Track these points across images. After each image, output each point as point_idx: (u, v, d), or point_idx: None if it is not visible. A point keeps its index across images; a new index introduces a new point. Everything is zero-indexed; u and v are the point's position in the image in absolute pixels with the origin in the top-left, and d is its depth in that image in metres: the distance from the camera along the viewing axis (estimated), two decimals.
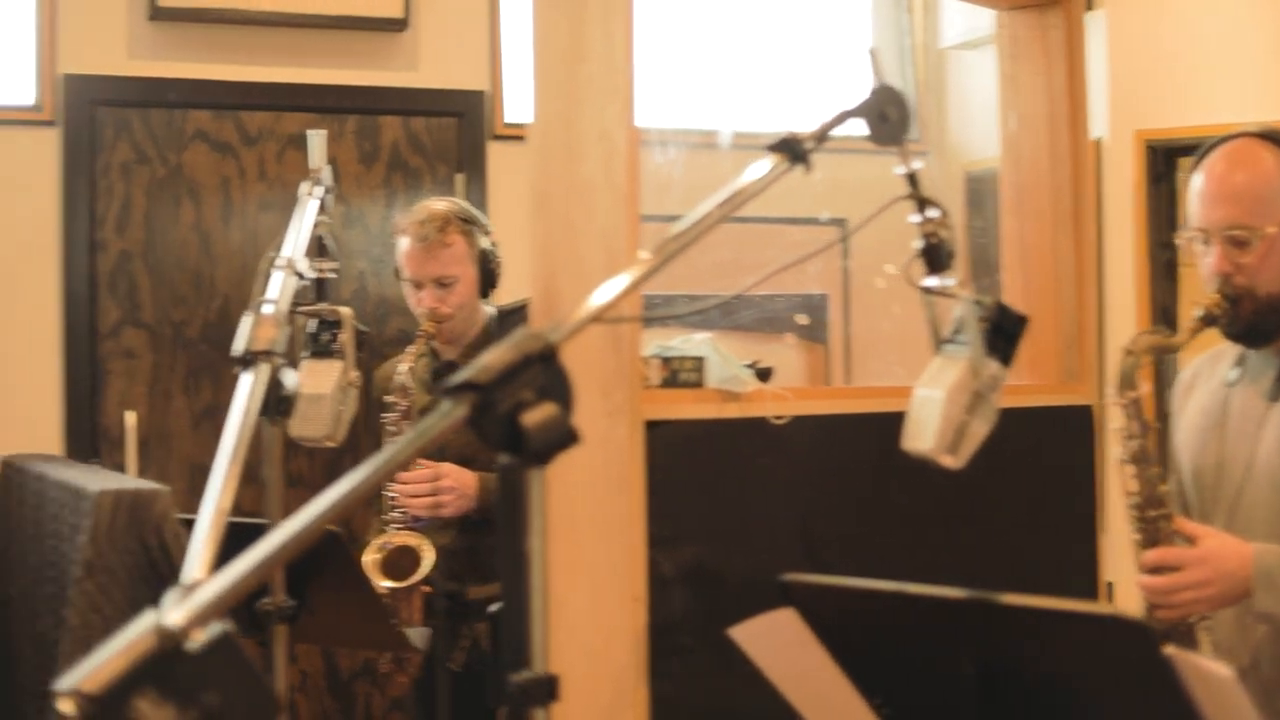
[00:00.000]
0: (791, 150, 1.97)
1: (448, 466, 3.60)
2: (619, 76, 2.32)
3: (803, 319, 5.66)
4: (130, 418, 5.27)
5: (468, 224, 3.80)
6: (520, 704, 1.67)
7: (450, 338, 3.81)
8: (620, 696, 2.32)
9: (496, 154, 5.71)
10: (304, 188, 2.81)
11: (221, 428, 5.21)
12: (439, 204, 3.87)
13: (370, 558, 3.61)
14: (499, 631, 3.34)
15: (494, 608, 3.44)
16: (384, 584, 3.58)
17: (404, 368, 3.72)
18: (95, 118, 5.32)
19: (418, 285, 3.78)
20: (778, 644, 2.03)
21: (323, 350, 2.79)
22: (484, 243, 3.80)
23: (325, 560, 2.92)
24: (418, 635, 3.56)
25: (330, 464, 5.45)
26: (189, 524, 2.66)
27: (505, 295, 4.00)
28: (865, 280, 5.83)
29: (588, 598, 2.29)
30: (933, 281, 2.20)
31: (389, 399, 3.73)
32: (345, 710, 5.56)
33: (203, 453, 5.38)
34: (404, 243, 3.81)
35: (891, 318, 5.72)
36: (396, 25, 5.56)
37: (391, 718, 5.62)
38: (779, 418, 2.60)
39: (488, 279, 3.82)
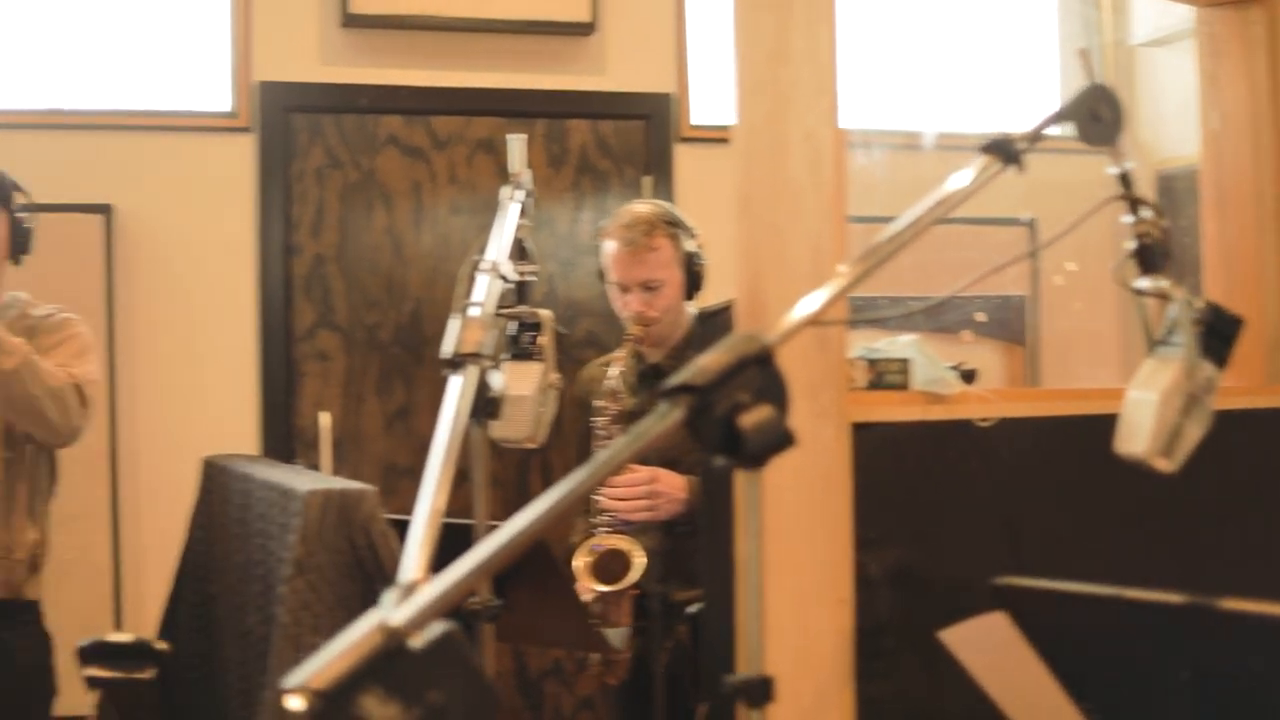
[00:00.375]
0: (1004, 151, 1.95)
1: (659, 471, 3.60)
2: (823, 77, 2.31)
3: (981, 316, 5.59)
4: (325, 419, 5.35)
5: (673, 227, 3.78)
6: (736, 704, 1.67)
7: (656, 341, 3.79)
8: (826, 698, 2.31)
9: (683, 156, 5.72)
10: (505, 192, 2.82)
11: (412, 429, 5.31)
12: (644, 207, 3.86)
13: (581, 561, 3.61)
14: (699, 633, 3.35)
15: (693, 609, 3.44)
16: (595, 587, 3.58)
17: (614, 371, 3.71)
18: (289, 124, 5.42)
19: (624, 289, 3.77)
20: (988, 647, 2.01)
21: (523, 352, 2.80)
22: (689, 245, 3.78)
23: (526, 560, 2.94)
24: (616, 636, 3.57)
25: (520, 464, 5.50)
26: (394, 523, 2.70)
27: (700, 297, 3.99)
28: (1055, 280, 5.76)
29: (793, 599, 2.28)
30: (1145, 283, 2.16)
31: (598, 403, 3.72)
32: (534, 708, 5.60)
33: (394, 453, 5.46)
34: (609, 246, 3.80)
35: (1075, 317, 5.65)
36: (584, 29, 5.59)
37: (580, 717, 5.65)
38: (984, 420, 2.58)
39: (693, 282, 3.80)
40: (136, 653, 2.68)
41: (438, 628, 1.45)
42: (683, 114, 5.73)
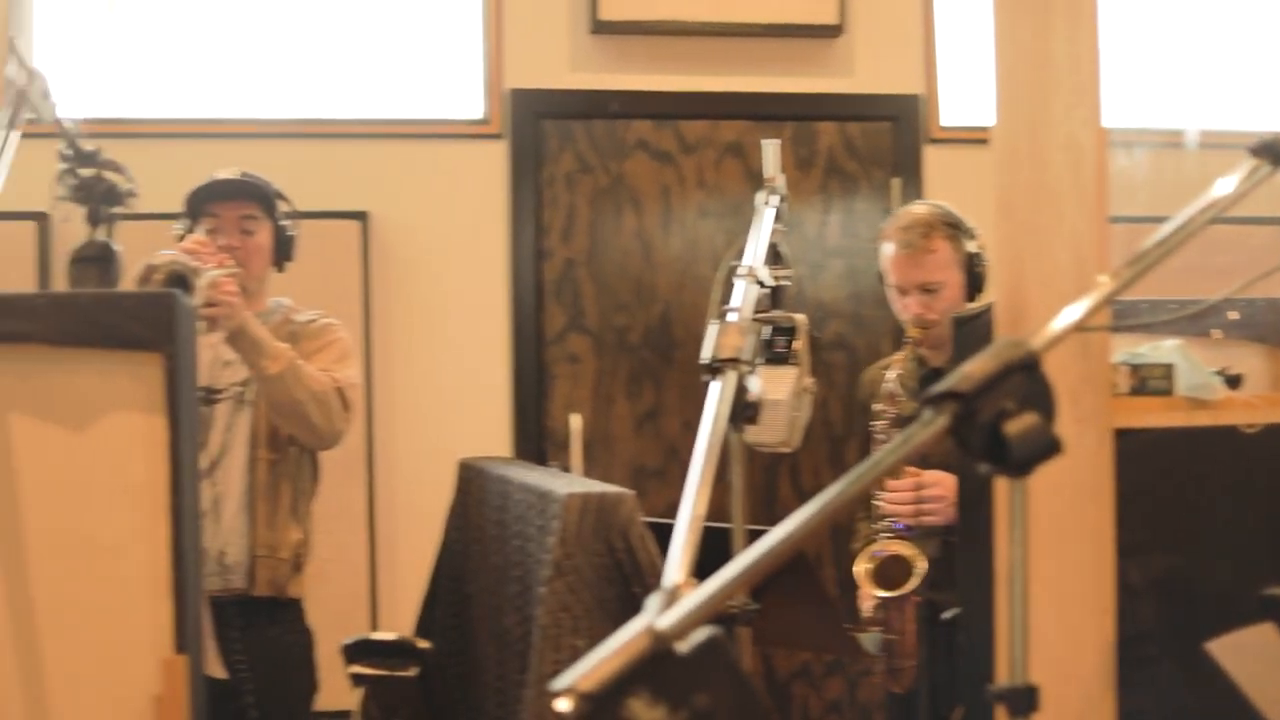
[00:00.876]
0: (1274, 153, 1.90)
1: (935, 474, 3.55)
2: (1084, 78, 2.27)
3: (1234, 315, 5.42)
4: (575, 421, 5.42)
5: (952, 228, 3.74)
6: (995, 712, 1.66)
7: (936, 344, 3.73)
8: (1088, 706, 2.28)
9: (933, 157, 5.67)
10: (760, 196, 2.83)
11: (661, 431, 5.34)
12: (922, 209, 3.82)
13: (862, 567, 3.60)
14: (954, 639, 3.31)
15: (948, 614, 3.41)
16: (876, 593, 3.57)
17: (892, 374, 3.69)
18: (540, 130, 5.50)
19: (902, 291, 3.73)
20: (1256, 659, 1.96)
21: (778, 357, 2.80)
22: (970, 247, 3.73)
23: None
24: (869, 641, 3.56)
25: (770, 468, 5.51)
26: (652, 527, 2.73)
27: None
28: None
29: (1054, 607, 2.25)
30: None
31: (877, 406, 3.70)
32: (782, 711, 5.60)
33: (643, 455, 5.51)
34: (887, 249, 3.77)
35: None
36: (831, 31, 5.58)
37: None
38: (1250, 426, 2.52)
39: (974, 283, 3.75)
40: (399, 651, 2.75)
41: (703, 632, 1.46)
42: (932, 115, 5.68)
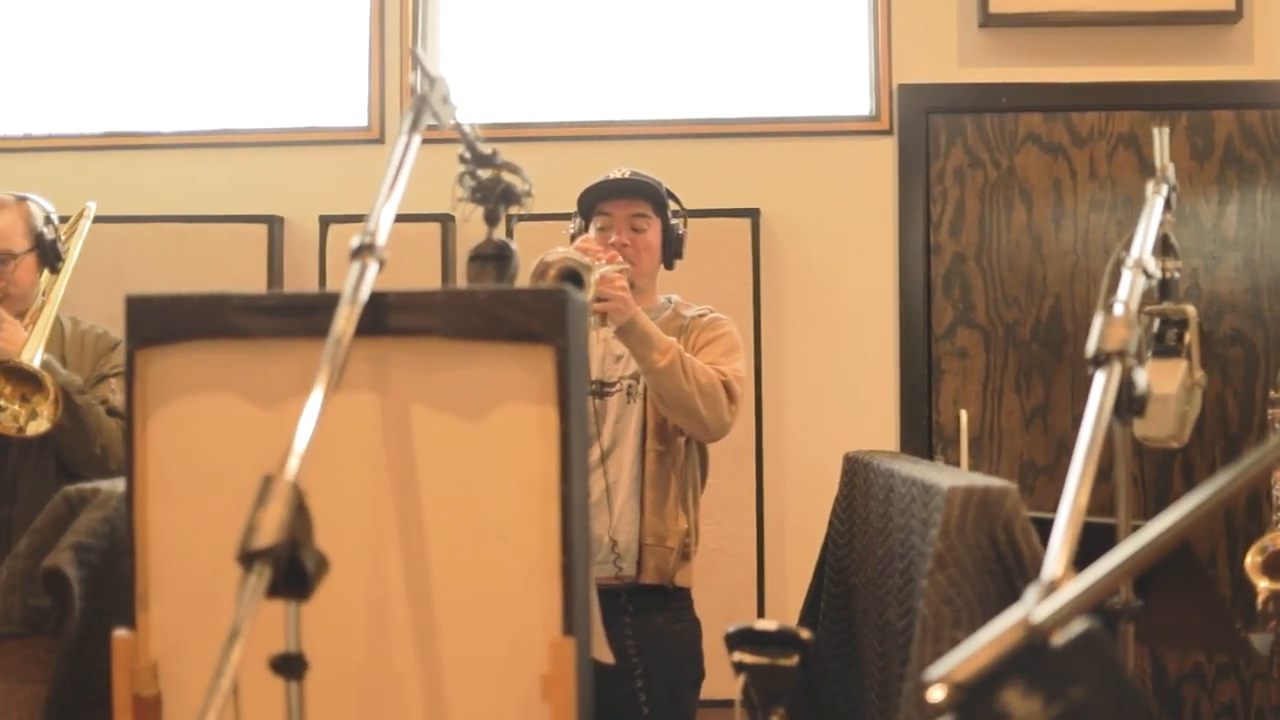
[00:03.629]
0: None
1: None
2: None
3: None
4: (963, 416, 5.38)
5: None
6: None
7: None
8: None
9: None
10: (1150, 186, 2.77)
11: (1050, 427, 5.27)
12: None
13: (1252, 559, 3.50)
14: None
15: None
16: (1265, 585, 3.46)
17: None
18: (929, 125, 5.48)
19: None
20: None
21: (1167, 350, 2.75)
22: None
23: (1168, 559, 2.87)
24: (1261, 642, 3.45)
25: (1162, 464, 5.37)
26: (1036, 522, 2.70)
27: None
28: None
29: None
30: None
31: (1275, 394, 3.60)
32: (1172, 713, 5.45)
33: (1032, 450, 5.43)
34: None
35: None
36: (1228, 18, 5.41)
37: None
38: None
39: None
40: (781, 640, 2.78)
41: (1080, 625, 1.46)
42: None
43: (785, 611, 5.20)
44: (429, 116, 2.56)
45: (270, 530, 1.93)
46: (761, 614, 5.26)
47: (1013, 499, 2.70)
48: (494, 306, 2.34)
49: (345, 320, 2.18)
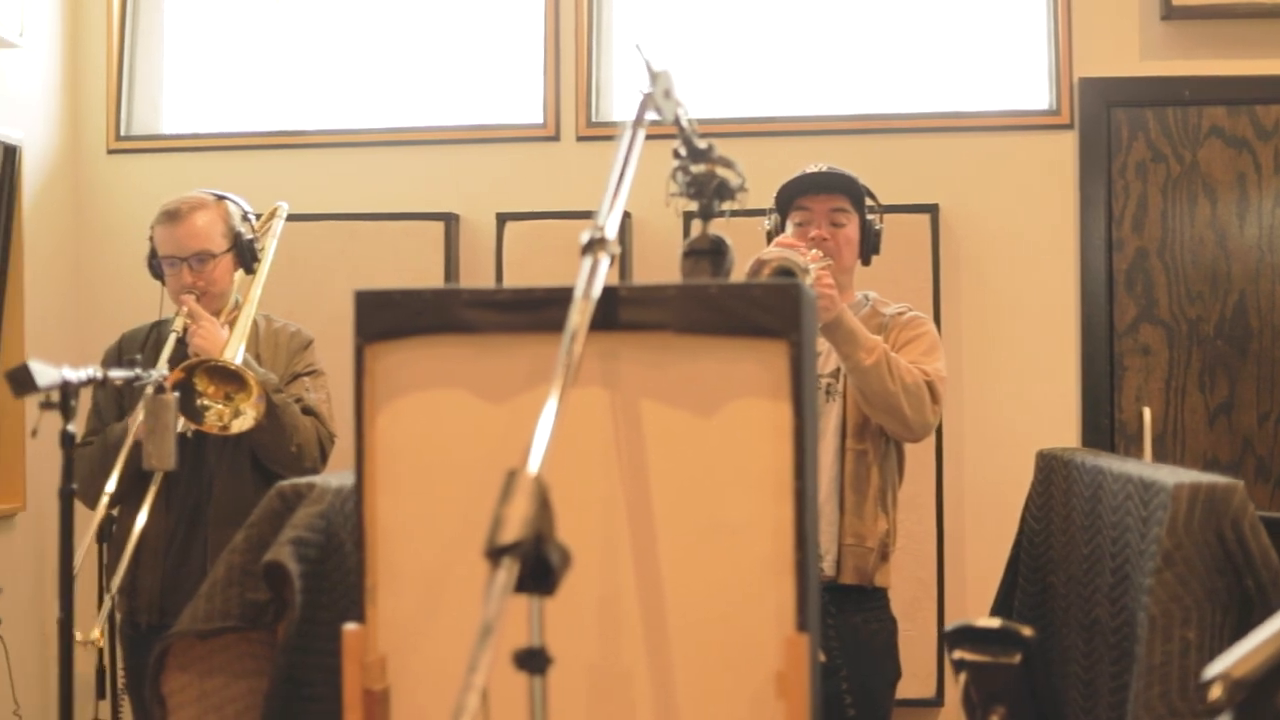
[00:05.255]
0: None
1: None
2: None
3: None
4: (1146, 413, 5.30)
5: None
6: None
7: None
8: None
9: None
10: None
11: (1235, 424, 5.18)
12: None
13: None
14: None
15: None
16: None
17: None
18: (1110, 119, 5.40)
19: None
20: None
21: None
22: None
23: None
24: None
25: None
26: (1265, 520, 2.65)
27: None
28: None
29: None
30: None
31: None
32: None
33: (1216, 448, 5.34)
34: None
35: None
36: None
37: None
38: None
39: None
40: (1004, 638, 2.75)
41: None
42: None
43: (965, 611, 5.17)
44: (651, 111, 2.56)
45: (517, 525, 1.93)
46: (941, 613, 5.22)
47: (1240, 495, 2.65)
48: (727, 301, 2.33)
49: (580, 315, 2.18)
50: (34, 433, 3.06)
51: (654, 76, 2.60)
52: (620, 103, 5.60)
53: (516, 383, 2.45)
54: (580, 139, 5.53)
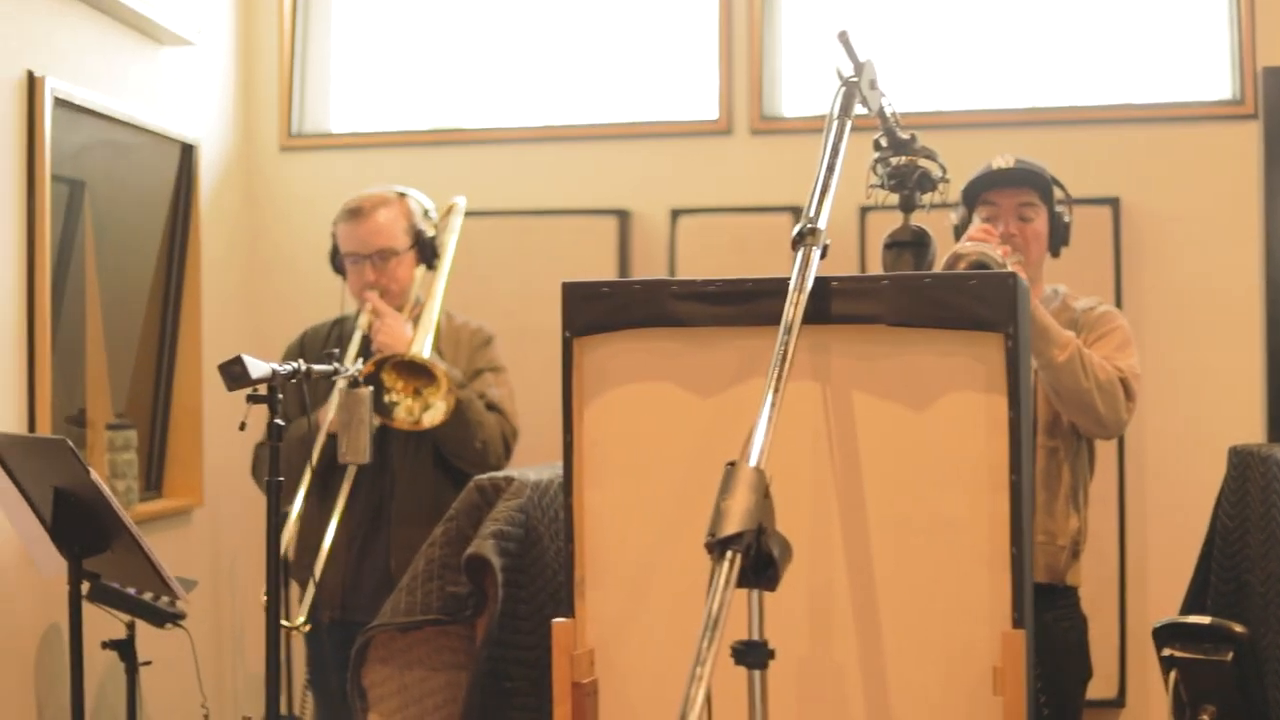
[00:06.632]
0: None
1: None
2: None
3: None
4: None
5: None
6: None
7: None
8: None
9: None
10: None
11: None
12: None
13: None
14: None
15: None
16: None
17: None
18: None
19: None
20: None
21: None
22: None
23: None
24: None
25: None
26: None
27: None
28: None
29: None
30: None
31: None
32: None
33: None
34: None
35: None
36: None
37: None
38: None
39: None
40: (1215, 635, 2.70)
41: None
42: None
43: (1146, 609, 5.08)
44: (857, 102, 2.53)
45: (739, 517, 1.92)
46: (1124, 611, 5.13)
47: None
48: (942, 293, 2.31)
49: (795, 308, 2.16)
50: (243, 425, 3.10)
51: (859, 66, 2.58)
52: (793, 97, 5.56)
53: (725, 376, 2.44)
54: (754, 133, 5.50)
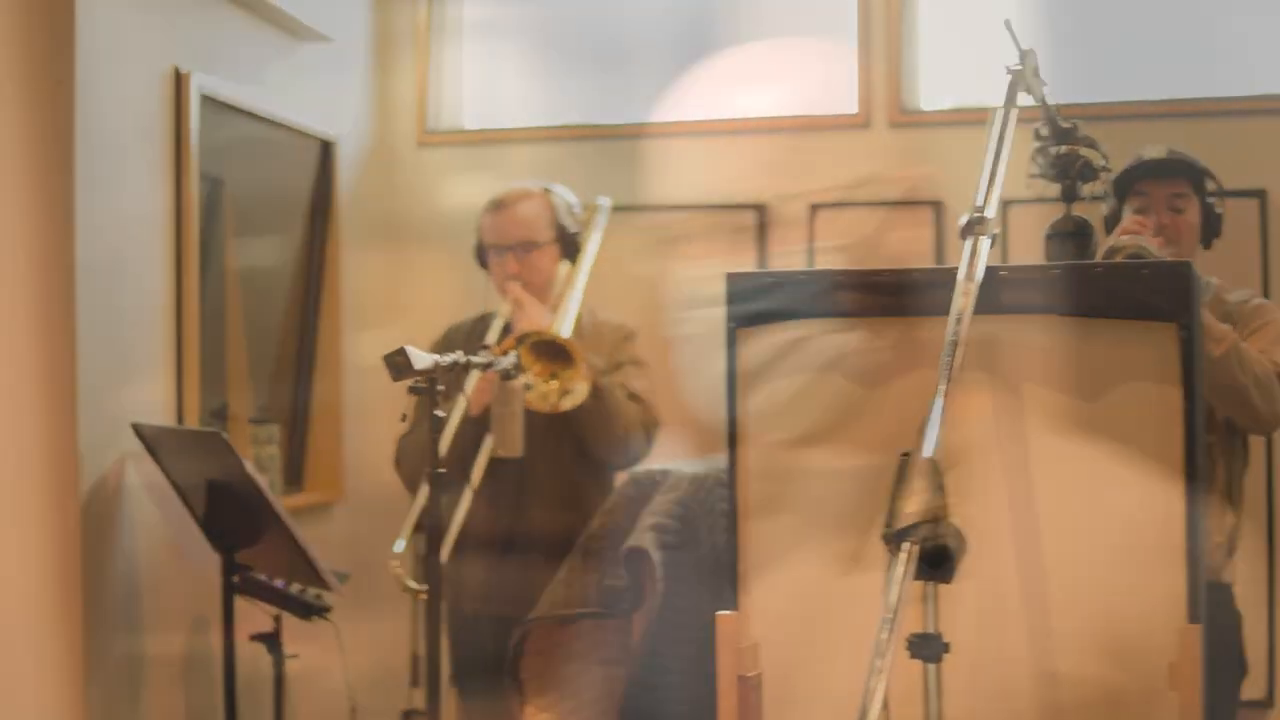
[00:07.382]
0: None
1: None
2: None
3: None
4: None
5: None
6: None
7: None
8: None
9: None
10: None
11: None
12: None
13: None
14: None
15: None
16: None
17: None
18: None
19: None
20: None
21: None
22: None
23: None
24: None
25: None
26: None
27: None
28: None
29: None
30: None
31: None
32: None
33: None
34: None
35: None
36: None
37: None
38: None
39: None
40: None
41: None
42: None
43: None
44: (1022, 90, 2.51)
45: (915, 509, 1.91)
46: (1272, 612, 5.05)
47: None
48: (1115, 282, 2.29)
49: (966, 297, 2.14)
50: (404, 417, 3.12)
51: (1024, 54, 2.55)
52: (931, 90, 5.52)
53: (890, 367, 2.42)
54: (892, 126, 5.47)
